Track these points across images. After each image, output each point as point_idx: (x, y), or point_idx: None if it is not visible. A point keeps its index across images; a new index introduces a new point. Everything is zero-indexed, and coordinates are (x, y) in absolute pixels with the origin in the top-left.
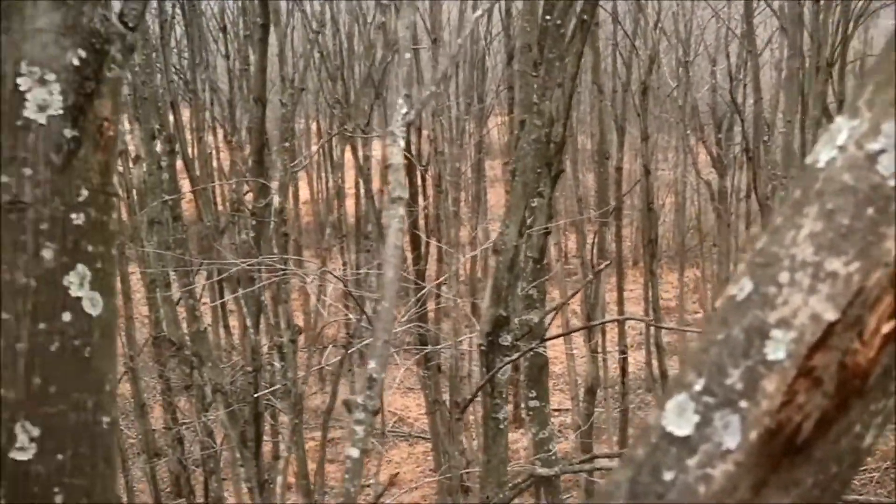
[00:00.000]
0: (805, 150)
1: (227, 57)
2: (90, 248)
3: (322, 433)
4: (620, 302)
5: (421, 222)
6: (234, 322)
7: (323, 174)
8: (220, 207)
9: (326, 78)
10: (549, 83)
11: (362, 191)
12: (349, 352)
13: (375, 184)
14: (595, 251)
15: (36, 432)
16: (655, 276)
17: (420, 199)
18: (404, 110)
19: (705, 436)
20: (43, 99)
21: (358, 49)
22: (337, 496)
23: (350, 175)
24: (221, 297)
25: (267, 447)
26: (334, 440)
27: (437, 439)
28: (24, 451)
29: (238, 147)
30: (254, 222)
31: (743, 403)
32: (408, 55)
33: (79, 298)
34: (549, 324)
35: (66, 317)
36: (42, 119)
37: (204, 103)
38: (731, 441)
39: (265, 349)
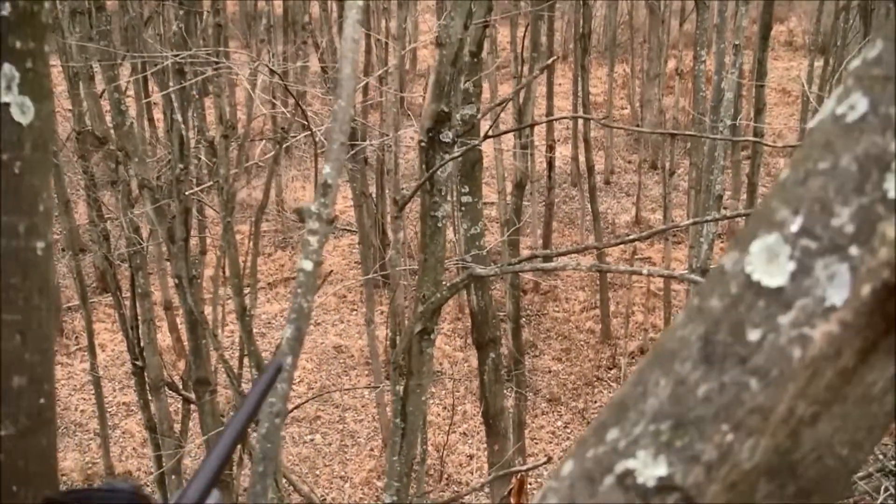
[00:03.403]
0: None
1: None
2: (18, 44)
3: (254, 229)
4: (550, 97)
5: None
6: (158, 115)
7: None
8: None
9: None
10: None
11: None
12: (283, 147)
13: None
14: (527, 45)
15: None
16: (587, 71)
17: None
18: None
19: (803, 288)
20: None
21: None
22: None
23: None
24: (146, 90)
25: (193, 241)
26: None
27: (363, 231)
28: None
29: None
30: (182, 12)
31: (854, 250)
32: None
33: (7, 105)
34: (480, 119)
35: None
36: None
37: None
38: (836, 296)
39: (192, 143)
